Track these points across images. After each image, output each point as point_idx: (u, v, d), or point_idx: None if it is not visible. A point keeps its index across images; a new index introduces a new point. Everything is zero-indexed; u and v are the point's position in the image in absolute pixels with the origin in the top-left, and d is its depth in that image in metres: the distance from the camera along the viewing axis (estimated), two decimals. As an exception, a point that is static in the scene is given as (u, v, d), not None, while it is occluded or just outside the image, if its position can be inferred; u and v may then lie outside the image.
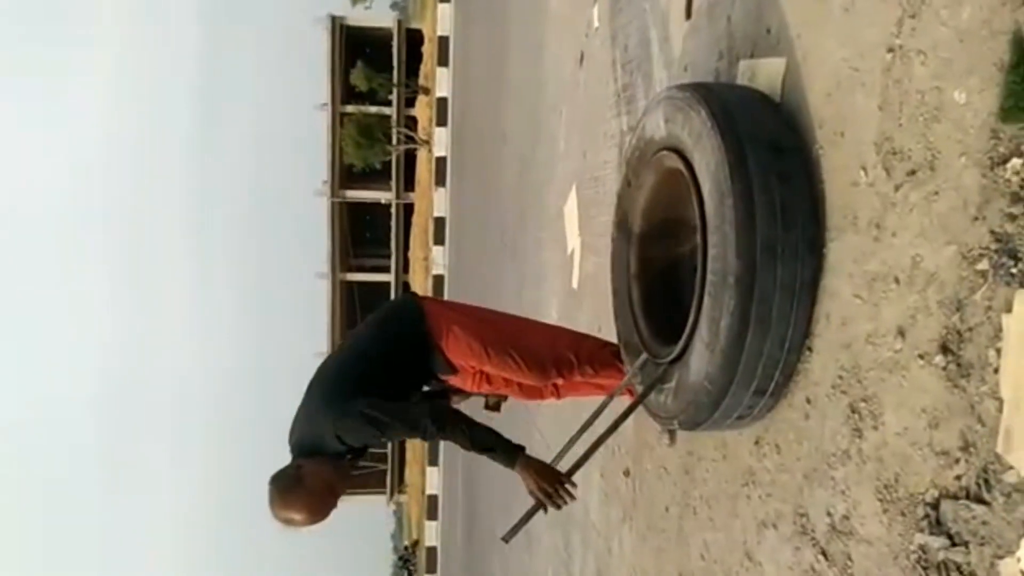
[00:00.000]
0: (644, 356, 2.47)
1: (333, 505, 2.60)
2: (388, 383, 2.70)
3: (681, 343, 2.15)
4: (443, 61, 16.66)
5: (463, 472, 11.81)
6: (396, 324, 2.89)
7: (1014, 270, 1.37)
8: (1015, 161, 1.37)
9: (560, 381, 3.02)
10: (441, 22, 16.90)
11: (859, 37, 1.78)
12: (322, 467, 2.56)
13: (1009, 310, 1.37)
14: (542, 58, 6.23)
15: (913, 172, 1.60)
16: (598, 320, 3.80)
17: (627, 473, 3.46)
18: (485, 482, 9.29)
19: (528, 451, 2.56)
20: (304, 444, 2.62)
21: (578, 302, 4.59)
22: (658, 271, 2.58)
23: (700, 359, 2.06)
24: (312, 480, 2.53)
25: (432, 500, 17.15)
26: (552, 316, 5.19)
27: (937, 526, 1.50)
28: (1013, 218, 1.37)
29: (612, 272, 2.81)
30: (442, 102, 16.71)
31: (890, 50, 1.67)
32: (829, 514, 1.85)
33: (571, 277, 4.78)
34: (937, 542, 1.48)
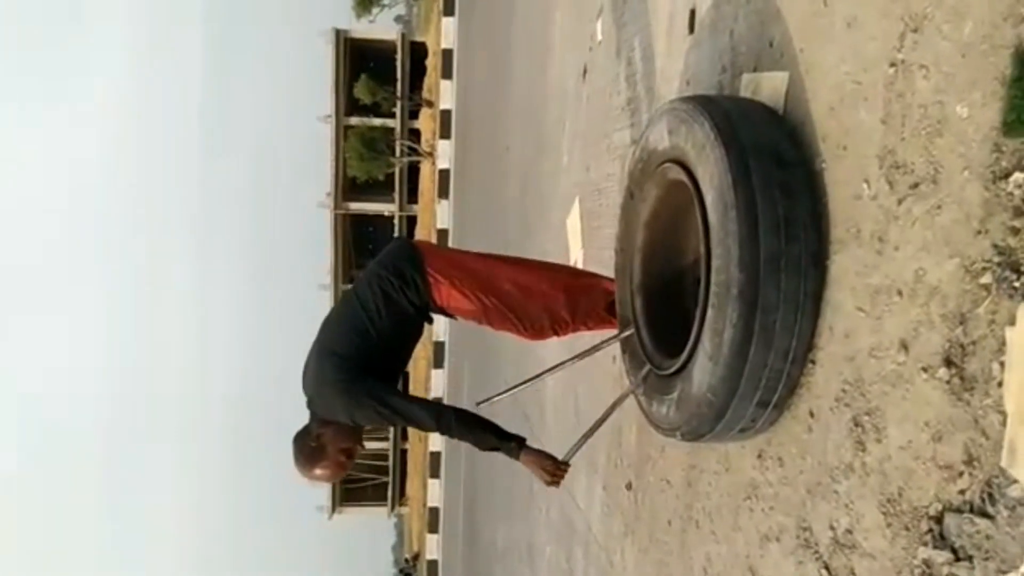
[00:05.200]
0: (647, 367, 2.47)
1: (350, 466, 3.00)
2: (389, 354, 2.96)
3: (684, 355, 2.15)
4: (447, 74, 16.74)
5: (465, 485, 11.77)
6: (398, 287, 2.99)
7: (1017, 283, 1.37)
8: (1017, 175, 1.37)
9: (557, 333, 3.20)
10: (445, 35, 16.99)
11: (861, 51, 1.79)
12: (339, 435, 2.91)
13: (1013, 323, 1.37)
14: (545, 71, 6.26)
15: (916, 185, 1.61)
16: (600, 335, 3.80)
17: (629, 486, 3.45)
18: (486, 495, 9.25)
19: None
20: (319, 409, 2.92)
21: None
22: (661, 283, 2.58)
23: (703, 371, 2.06)
24: (332, 448, 2.90)
25: (433, 513, 17.09)
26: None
27: (941, 540, 1.49)
28: (1016, 232, 1.37)
29: (615, 284, 2.81)
30: (445, 114, 16.78)
31: (892, 64, 1.68)
32: (832, 528, 1.84)
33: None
34: (941, 556, 1.48)
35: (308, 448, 2.91)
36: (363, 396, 2.84)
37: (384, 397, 2.84)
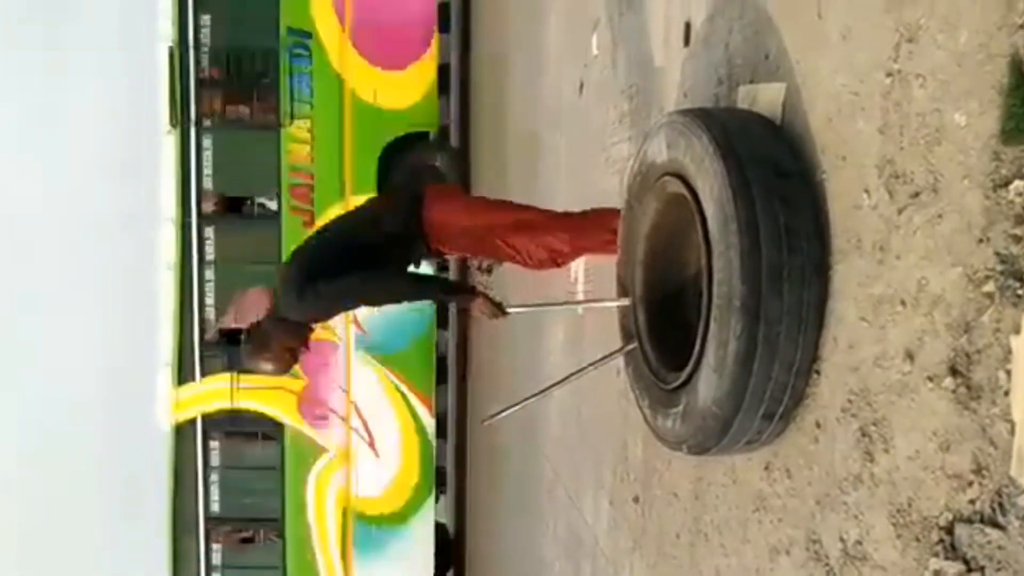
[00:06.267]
0: (649, 379, 2.47)
1: (293, 364, 3.30)
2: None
3: (688, 368, 2.15)
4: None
5: (470, 500, 11.74)
6: (392, 224, 3.23)
7: (1020, 291, 1.36)
8: (1018, 183, 1.37)
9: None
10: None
11: (857, 62, 1.80)
12: (287, 334, 3.18)
13: (1017, 331, 1.36)
14: (542, 86, 6.27)
15: (916, 195, 1.61)
16: (604, 345, 3.80)
17: (636, 500, 3.43)
18: (493, 510, 9.22)
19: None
20: (279, 306, 3.17)
21: (583, 327, 4.59)
22: (663, 296, 2.58)
23: (708, 384, 2.05)
24: (277, 344, 3.18)
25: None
26: (558, 338, 5.18)
27: (952, 551, 1.48)
28: (1017, 239, 1.37)
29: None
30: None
31: (889, 74, 1.68)
32: (842, 539, 1.83)
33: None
34: (952, 567, 1.47)
35: (258, 340, 3.19)
36: (320, 285, 3.05)
37: (338, 280, 3.05)
